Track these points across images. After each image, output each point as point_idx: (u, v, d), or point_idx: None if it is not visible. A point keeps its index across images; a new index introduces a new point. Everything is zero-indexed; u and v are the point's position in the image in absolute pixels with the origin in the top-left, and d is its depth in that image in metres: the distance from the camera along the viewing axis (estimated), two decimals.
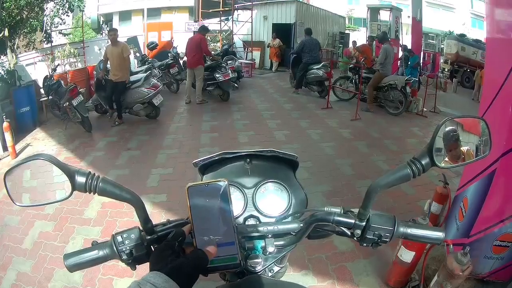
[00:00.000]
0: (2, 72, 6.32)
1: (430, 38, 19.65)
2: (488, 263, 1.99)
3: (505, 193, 1.89)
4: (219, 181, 0.62)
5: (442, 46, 17.83)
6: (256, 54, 12.45)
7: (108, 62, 5.38)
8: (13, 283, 2.20)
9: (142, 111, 5.64)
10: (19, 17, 7.64)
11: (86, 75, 7.43)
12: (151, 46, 8.92)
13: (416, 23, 8.61)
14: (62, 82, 5.54)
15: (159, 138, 4.92)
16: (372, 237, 0.65)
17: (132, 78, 5.56)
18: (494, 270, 2.01)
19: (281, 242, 0.72)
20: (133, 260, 0.66)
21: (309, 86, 7.73)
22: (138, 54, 9.17)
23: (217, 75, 6.66)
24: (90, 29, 16.11)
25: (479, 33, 15.96)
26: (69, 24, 11.76)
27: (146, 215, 0.66)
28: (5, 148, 4.37)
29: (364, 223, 0.66)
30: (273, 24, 12.54)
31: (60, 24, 9.89)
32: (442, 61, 14.55)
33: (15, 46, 7.78)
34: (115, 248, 0.64)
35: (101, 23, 17.68)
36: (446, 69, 14.27)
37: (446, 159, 0.65)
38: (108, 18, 17.90)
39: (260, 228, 0.70)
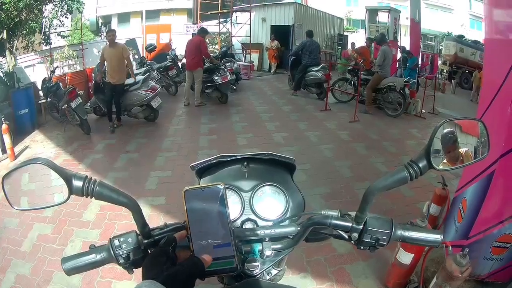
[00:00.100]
0: (1, 74, 6.28)
1: (429, 39, 19.76)
2: (488, 264, 1.99)
3: (504, 194, 1.89)
4: (216, 185, 0.62)
5: (440, 47, 17.93)
6: (255, 56, 12.47)
7: (105, 64, 5.24)
8: (12, 286, 2.19)
9: (140, 114, 5.61)
10: (18, 19, 7.60)
11: (85, 77, 7.41)
12: (150, 48, 8.93)
13: (415, 24, 8.65)
14: (60, 84, 5.54)
15: (158, 140, 4.91)
16: (369, 240, 0.65)
17: (128, 80, 5.44)
18: (494, 271, 2.00)
19: (279, 246, 0.72)
20: (130, 264, 0.65)
21: (308, 88, 7.73)
22: (136, 56, 9.19)
23: (216, 78, 6.66)
24: (88, 31, 16.15)
25: (478, 34, 16.04)
26: (68, 26, 11.75)
27: (143, 219, 0.66)
28: (3, 151, 4.37)
29: (361, 227, 0.66)
30: (271, 26, 12.56)
31: (59, 26, 9.89)
32: (440, 62, 14.60)
33: (14, 48, 7.76)
34: (112, 252, 0.64)
35: (99, 25, 17.75)
36: (445, 70, 14.35)
37: (444, 161, 0.65)
38: (107, 20, 17.97)
39: (258, 232, 0.70)
